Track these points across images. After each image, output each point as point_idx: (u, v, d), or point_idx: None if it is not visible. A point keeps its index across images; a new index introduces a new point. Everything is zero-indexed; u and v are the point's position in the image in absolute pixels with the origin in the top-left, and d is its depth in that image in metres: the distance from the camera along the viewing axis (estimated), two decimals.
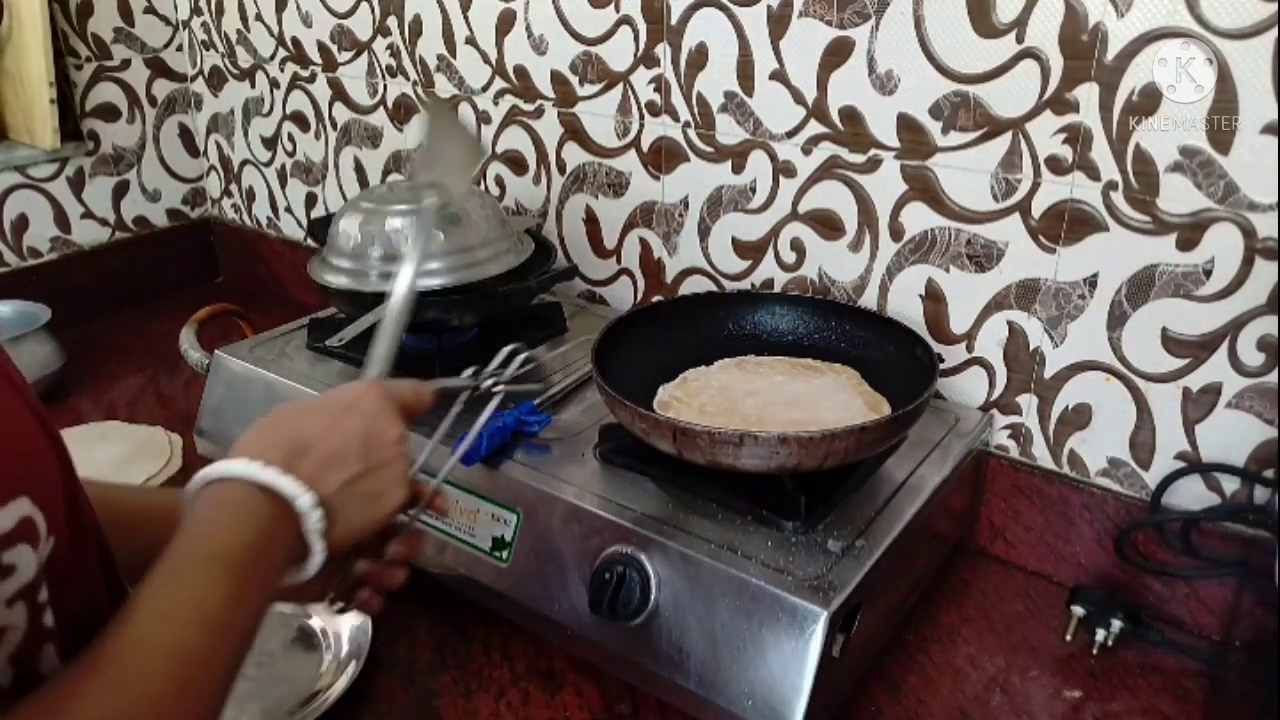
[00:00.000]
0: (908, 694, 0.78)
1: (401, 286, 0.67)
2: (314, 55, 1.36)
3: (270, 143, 1.50)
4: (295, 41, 1.37)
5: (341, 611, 0.63)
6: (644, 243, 1.12)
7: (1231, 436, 0.80)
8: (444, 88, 1.22)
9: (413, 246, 0.71)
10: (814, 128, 0.94)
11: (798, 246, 0.99)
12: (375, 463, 0.56)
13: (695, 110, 1.01)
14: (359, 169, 1.39)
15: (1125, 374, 0.84)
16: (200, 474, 0.52)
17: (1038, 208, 0.84)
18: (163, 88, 1.55)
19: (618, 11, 1.03)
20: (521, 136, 1.18)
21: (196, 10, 1.49)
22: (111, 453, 1.11)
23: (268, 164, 1.52)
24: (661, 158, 1.06)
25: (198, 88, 1.57)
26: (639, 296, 1.15)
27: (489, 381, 0.71)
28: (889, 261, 0.94)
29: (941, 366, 0.94)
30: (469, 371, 0.71)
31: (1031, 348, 0.88)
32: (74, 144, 1.45)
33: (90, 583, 0.45)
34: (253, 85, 1.47)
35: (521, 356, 0.72)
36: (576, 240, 1.18)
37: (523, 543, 0.78)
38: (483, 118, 1.20)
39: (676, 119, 1.03)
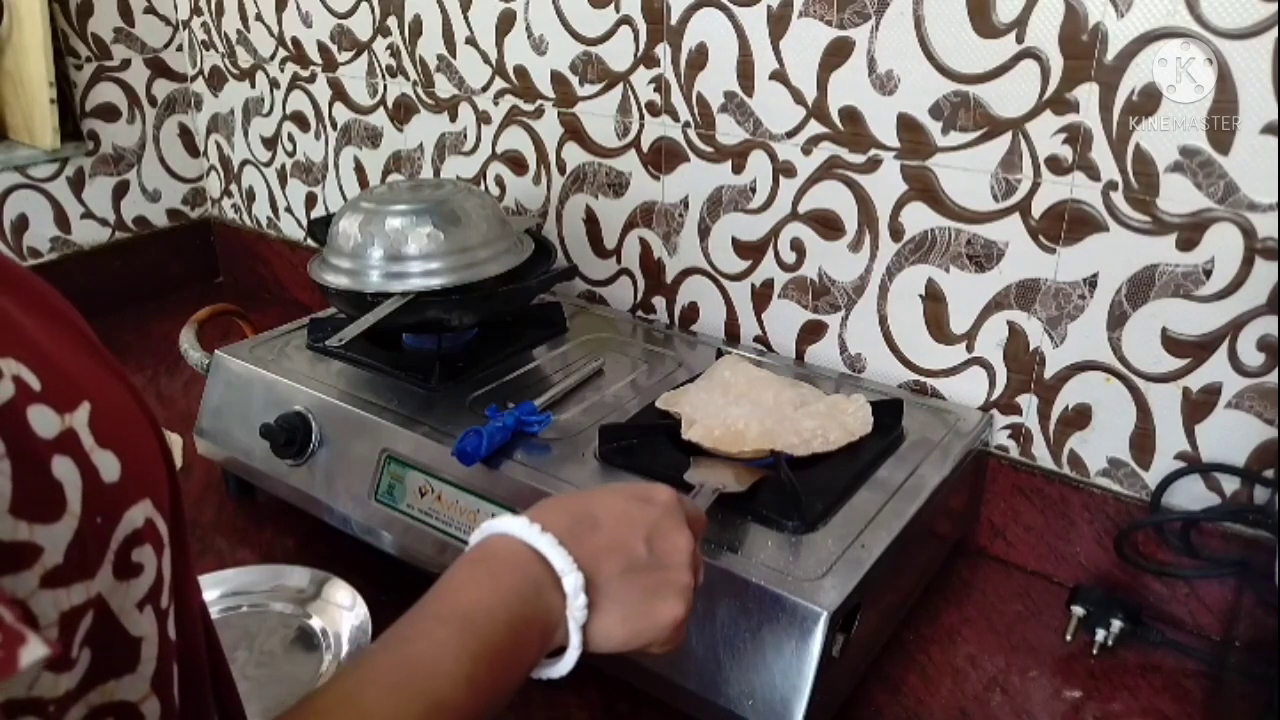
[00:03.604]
0: (908, 694, 0.79)
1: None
2: (314, 55, 1.36)
3: (270, 143, 1.50)
4: (295, 41, 1.37)
5: None
6: (644, 243, 1.12)
7: (1231, 436, 0.80)
8: (444, 88, 1.22)
9: None
10: (814, 128, 0.94)
11: (798, 246, 0.99)
12: (661, 561, 0.52)
13: (695, 110, 1.01)
14: (359, 169, 1.39)
15: (1125, 374, 0.84)
16: (480, 528, 0.50)
17: (1038, 208, 0.83)
18: (163, 88, 1.55)
19: (618, 11, 1.03)
20: (521, 136, 1.18)
21: (196, 10, 1.49)
22: None
23: (268, 164, 1.52)
24: (661, 158, 1.06)
25: (198, 88, 1.57)
26: (639, 297, 1.16)
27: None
28: (889, 261, 0.94)
29: (941, 366, 0.94)
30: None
31: (1031, 348, 0.88)
32: (74, 144, 1.45)
33: (190, 605, 0.41)
34: (253, 85, 1.47)
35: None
36: (576, 240, 1.18)
37: None
38: (483, 118, 1.20)
39: (676, 119, 1.03)
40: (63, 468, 0.30)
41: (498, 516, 0.50)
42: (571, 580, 0.48)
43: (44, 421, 0.30)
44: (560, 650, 0.50)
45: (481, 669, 0.44)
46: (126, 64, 1.49)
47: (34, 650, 0.26)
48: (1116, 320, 0.83)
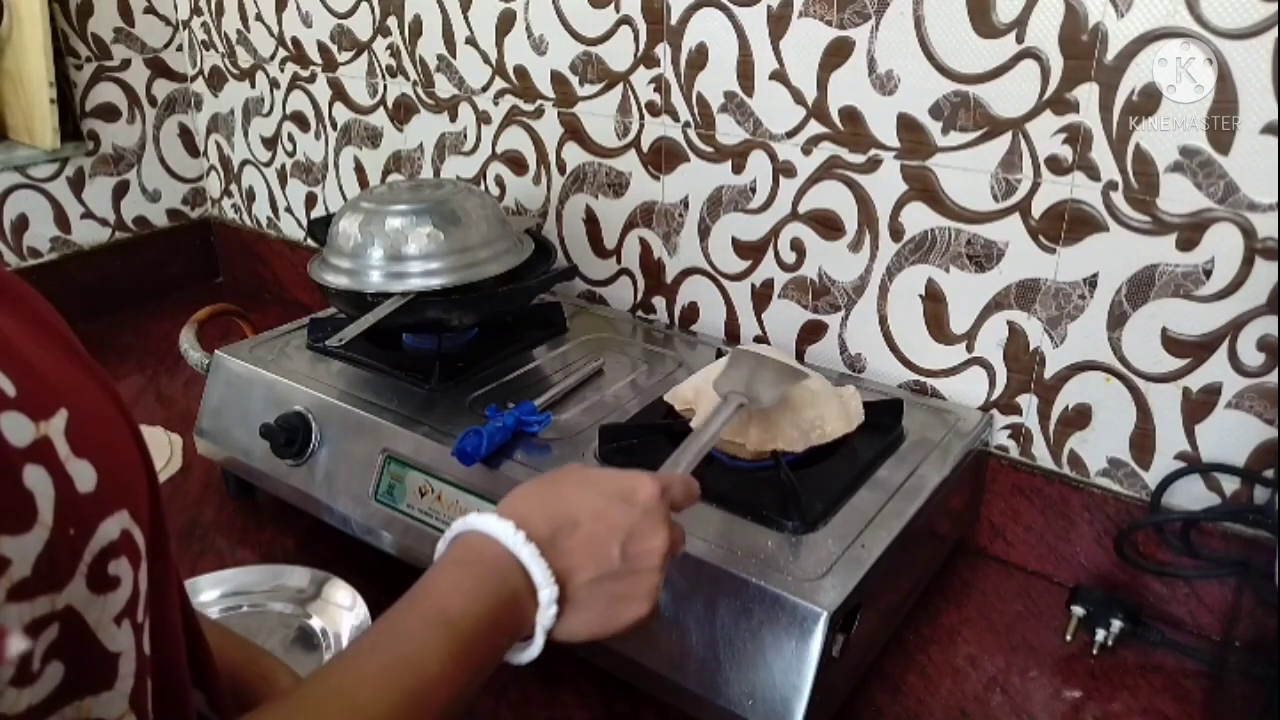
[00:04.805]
0: (908, 694, 0.79)
1: (718, 422, 0.69)
2: (314, 55, 1.36)
3: (270, 143, 1.50)
4: (295, 41, 1.37)
5: None
6: (644, 243, 1.12)
7: (1231, 436, 0.80)
8: (444, 88, 1.22)
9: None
10: (814, 128, 0.94)
11: (798, 246, 0.99)
12: (632, 566, 0.54)
13: (695, 110, 1.01)
14: (359, 169, 1.39)
15: (1125, 374, 0.84)
16: (462, 520, 0.53)
17: (1038, 208, 0.84)
18: (163, 88, 1.55)
19: (618, 11, 1.03)
20: (521, 136, 1.18)
21: (196, 10, 1.49)
22: None
23: (268, 164, 1.52)
24: (661, 158, 1.06)
25: (198, 88, 1.57)
26: (639, 297, 1.16)
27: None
28: (889, 261, 0.94)
29: (941, 366, 0.94)
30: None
31: (1031, 348, 0.88)
32: (74, 144, 1.45)
33: (170, 616, 0.41)
34: (253, 85, 1.47)
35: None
36: (576, 240, 1.18)
37: None
38: (483, 118, 1.20)
39: (676, 119, 1.03)
40: (35, 477, 0.30)
41: (482, 512, 0.53)
42: (547, 594, 0.51)
43: (17, 429, 0.30)
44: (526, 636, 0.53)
45: (462, 669, 0.47)
46: (126, 64, 1.49)
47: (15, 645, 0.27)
48: (1116, 320, 0.83)
